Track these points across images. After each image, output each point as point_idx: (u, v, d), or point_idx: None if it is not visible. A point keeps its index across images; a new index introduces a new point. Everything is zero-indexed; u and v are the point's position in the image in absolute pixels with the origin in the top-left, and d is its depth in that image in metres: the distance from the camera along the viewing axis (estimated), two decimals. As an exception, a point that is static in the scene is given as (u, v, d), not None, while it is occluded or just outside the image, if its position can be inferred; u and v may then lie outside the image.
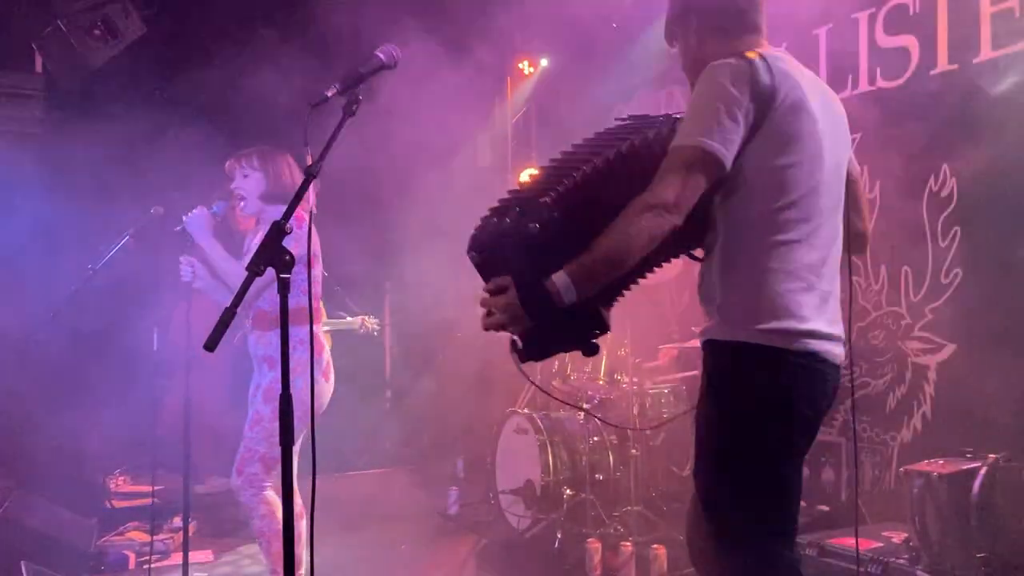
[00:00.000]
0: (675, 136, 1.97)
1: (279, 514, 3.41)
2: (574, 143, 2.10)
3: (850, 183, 2.19)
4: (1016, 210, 3.63)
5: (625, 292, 2.09)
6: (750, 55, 1.99)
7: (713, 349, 2.07)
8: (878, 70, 4.32)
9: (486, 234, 1.94)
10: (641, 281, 2.11)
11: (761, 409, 1.98)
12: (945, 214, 3.99)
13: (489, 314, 1.95)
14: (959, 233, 3.93)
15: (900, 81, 4.21)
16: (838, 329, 2.08)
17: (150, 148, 5.79)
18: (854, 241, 2.26)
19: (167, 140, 5.81)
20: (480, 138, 7.62)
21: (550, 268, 1.86)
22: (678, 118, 2.06)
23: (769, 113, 1.95)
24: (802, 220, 1.98)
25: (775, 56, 2.03)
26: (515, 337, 1.97)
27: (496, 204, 2.00)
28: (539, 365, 5.26)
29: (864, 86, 4.40)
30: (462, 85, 6.92)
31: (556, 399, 4.73)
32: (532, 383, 2.37)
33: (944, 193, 4.00)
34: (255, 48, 5.78)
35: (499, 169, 7.69)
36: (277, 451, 3.32)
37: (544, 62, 7.23)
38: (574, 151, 2.06)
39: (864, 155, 4.39)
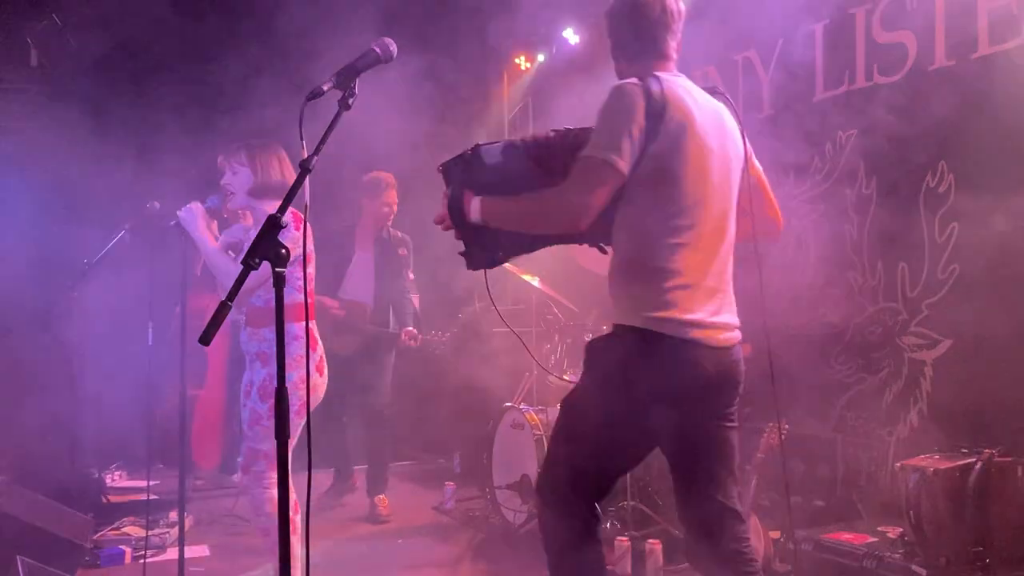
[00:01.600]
0: (586, 145, 2.28)
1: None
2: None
3: (756, 184, 2.52)
4: (1013, 207, 3.63)
5: (531, 252, 2.56)
6: (649, 78, 2.31)
7: (613, 330, 2.39)
8: (875, 66, 4.32)
9: (450, 159, 2.52)
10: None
11: (630, 381, 2.29)
12: (942, 210, 3.99)
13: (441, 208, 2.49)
14: (956, 229, 3.93)
15: (897, 77, 4.21)
16: (725, 319, 2.38)
17: (145, 142, 5.78)
18: (767, 230, 2.59)
19: (162, 134, 5.79)
20: (477, 133, 7.61)
21: (474, 190, 2.41)
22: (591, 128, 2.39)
23: (659, 129, 2.24)
24: (687, 227, 2.29)
25: (670, 79, 2.35)
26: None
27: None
28: (538, 358, 5.27)
29: (861, 82, 4.40)
30: (459, 80, 6.92)
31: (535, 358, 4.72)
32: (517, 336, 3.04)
33: (941, 189, 4.00)
34: (255, 41, 5.77)
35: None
36: (286, 449, 3.35)
37: (541, 57, 7.22)
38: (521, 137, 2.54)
39: (860, 150, 4.42)
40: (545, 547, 2.54)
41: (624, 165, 2.22)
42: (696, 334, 2.28)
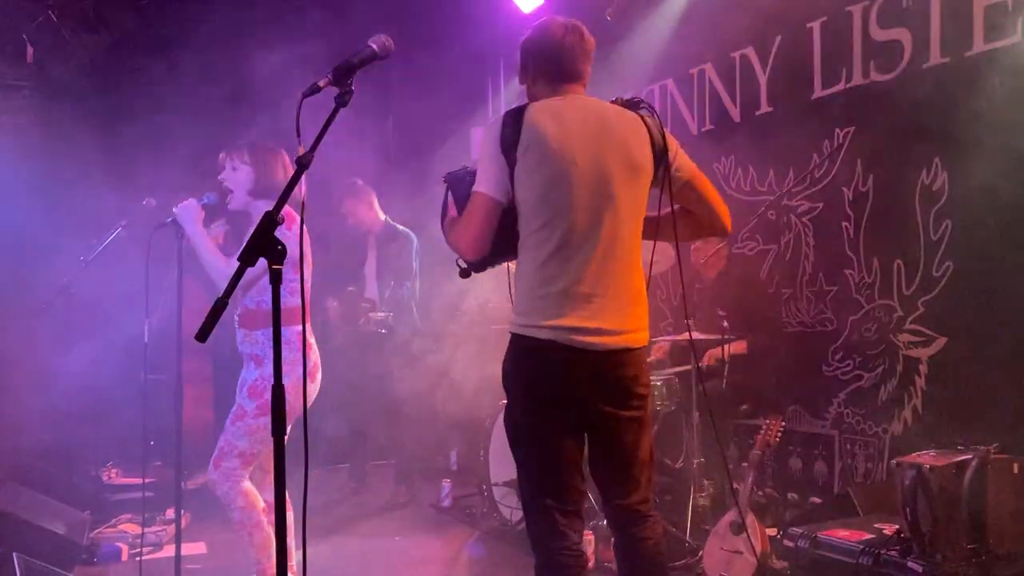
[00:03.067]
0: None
1: (258, 503, 3.42)
2: None
3: (688, 183, 2.59)
4: (1008, 203, 3.64)
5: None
6: (513, 111, 2.49)
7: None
8: (872, 63, 4.33)
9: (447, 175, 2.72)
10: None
11: (517, 383, 2.51)
12: (937, 207, 4.00)
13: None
14: (951, 226, 3.94)
15: (893, 74, 4.21)
16: (599, 323, 2.44)
17: (141, 139, 5.77)
18: (711, 227, 2.72)
19: (159, 130, 5.79)
20: (473, 132, 7.61)
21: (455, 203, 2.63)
22: None
23: (515, 157, 2.42)
24: (552, 239, 2.43)
25: (538, 105, 2.50)
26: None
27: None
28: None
29: (858, 79, 4.40)
30: (455, 79, 6.92)
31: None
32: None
33: (936, 186, 4.00)
34: (251, 37, 5.76)
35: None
36: (257, 447, 3.38)
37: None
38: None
39: (857, 148, 4.42)
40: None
41: (498, 194, 2.45)
42: (558, 337, 2.41)
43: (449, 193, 2.66)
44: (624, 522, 2.57)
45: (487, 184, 2.46)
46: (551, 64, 2.62)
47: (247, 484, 3.40)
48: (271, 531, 3.40)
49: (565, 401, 2.45)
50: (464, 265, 2.63)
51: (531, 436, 2.51)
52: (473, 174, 2.54)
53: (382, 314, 5.53)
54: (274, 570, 3.43)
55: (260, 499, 3.45)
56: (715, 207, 2.65)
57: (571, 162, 2.44)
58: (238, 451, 3.36)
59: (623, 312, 2.48)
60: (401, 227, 5.67)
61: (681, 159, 2.60)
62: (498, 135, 2.46)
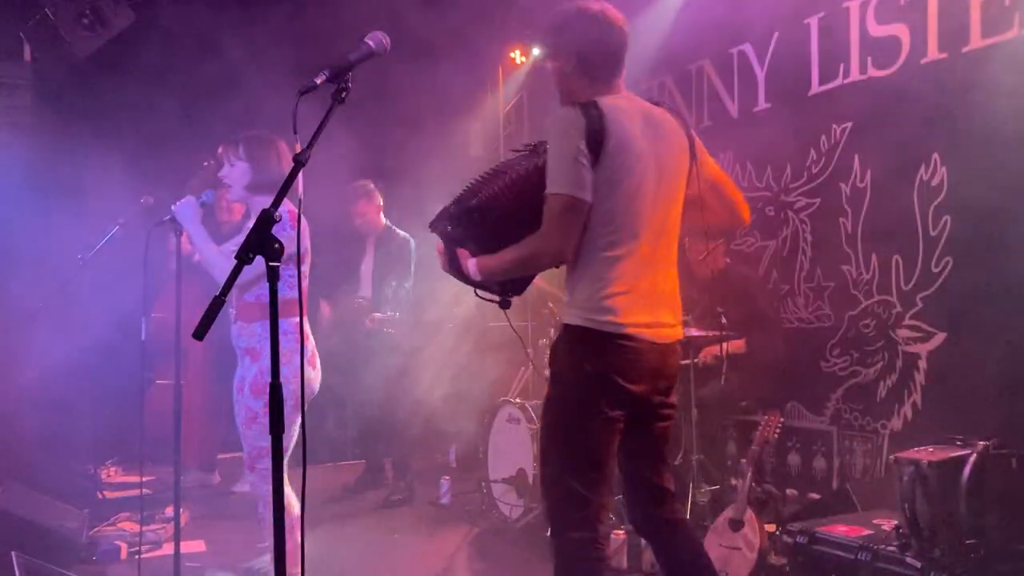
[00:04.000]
0: (548, 178, 2.42)
1: (295, 509, 3.40)
2: (499, 162, 2.71)
3: (714, 181, 2.66)
4: (1006, 199, 3.64)
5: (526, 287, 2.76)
6: (590, 104, 2.42)
7: (562, 330, 2.56)
8: (869, 59, 4.33)
9: (434, 222, 2.71)
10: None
11: (582, 376, 2.46)
12: (936, 203, 4.00)
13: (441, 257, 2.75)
14: (949, 222, 3.94)
15: (891, 70, 4.22)
16: (660, 317, 2.53)
17: (139, 137, 5.76)
18: (732, 223, 2.81)
19: (156, 129, 5.78)
20: (471, 128, 7.61)
21: (470, 251, 2.61)
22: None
23: (600, 155, 2.39)
24: (623, 242, 2.46)
25: (609, 103, 2.44)
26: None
27: (460, 192, 2.65)
28: (534, 351, 5.28)
29: (855, 75, 4.40)
30: (453, 74, 6.91)
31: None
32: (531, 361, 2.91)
33: (935, 182, 4.01)
34: (248, 36, 5.76)
35: (491, 159, 7.68)
36: (281, 442, 3.35)
37: (536, 51, 7.21)
38: (496, 170, 2.64)
39: (855, 144, 4.42)
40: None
41: (585, 194, 2.38)
42: (632, 331, 2.45)
43: (451, 238, 2.65)
44: (661, 501, 2.63)
45: (579, 187, 2.39)
46: (611, 58, 2.57)
47: (288, 488, 3.37)
48: (298, 540, 3.38)
49: (628, 393, 2.47)
50: (504, 295, 2.67)
51: (587, 426, 2.49)
52: (459, 213, 2.56)
53: (389, 314, 5.54)
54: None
55: (297, 504, 3.43)
56: (736, 203, 2.73)
57: (647, 164, 2.47)
58: (265, 451, 3.32)
59: (674, 306, 2.60)
60: (399, 231, 5.70)
61: (707, 157, 2.68)
62: (584, 132, 2.38)
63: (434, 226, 2.72)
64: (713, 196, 2.67)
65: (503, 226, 2.53)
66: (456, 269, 2.67)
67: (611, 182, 2.42)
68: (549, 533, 2.56)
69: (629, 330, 2.46)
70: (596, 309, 2.46)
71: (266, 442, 3.33)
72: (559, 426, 2.54)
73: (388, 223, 5.75)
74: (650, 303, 2.52)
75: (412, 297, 5.69)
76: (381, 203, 5.72)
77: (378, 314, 5.56)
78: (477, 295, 2.78)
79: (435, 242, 2.79)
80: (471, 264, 2.60)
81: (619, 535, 4.13)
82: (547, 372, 2.66)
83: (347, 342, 5.54)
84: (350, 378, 5.53)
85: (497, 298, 2.72)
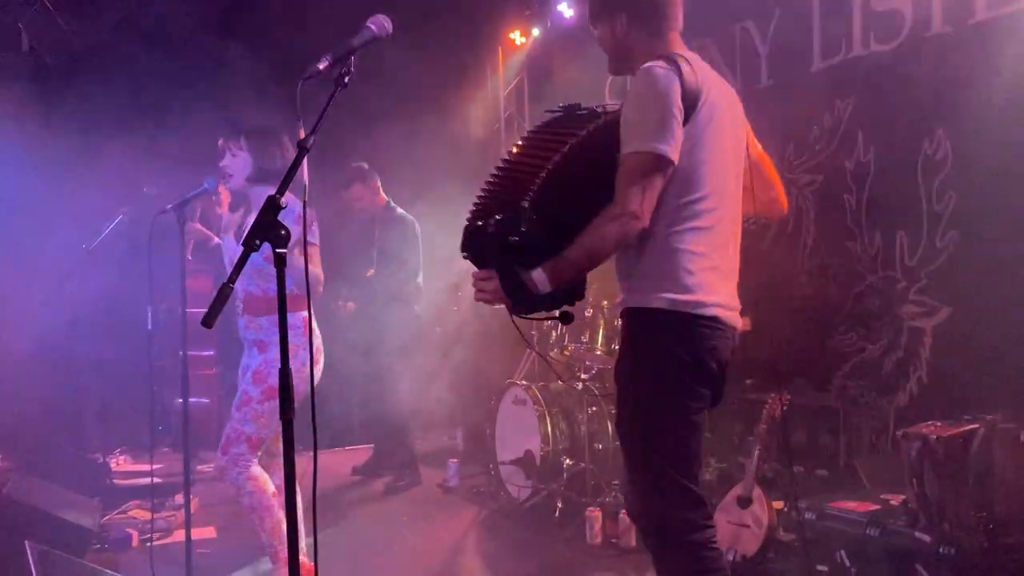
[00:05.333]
0: (625, 137, 2.17)
1: (269, 487, 3.45)
2: (527, 135, 2.39)
3: (758, 162, 2.50)
4: (1010, 172, 3.62)
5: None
6: (678, 59, 2.22)
7: (634, 315, 2.32)
8: (872, 34, 4.29)
9: (474, 237, 2.26)
10: None
11: (674, 364, 2.24)
12: (940, 178, 3.98)
13: (481, 290, 2.27)
14: (954, 197, 3.93)
15: (894, 44, 4.18)
16: (735, 300, 2.38)
17: (140, 126, 5.75)
18: (772, 210, 2.61)
19: (156, 118, 5.76)
20: (472, 109, 7.58)
21: (530, 262, 2.17)
22: (611, 110, 2.29)
23: (693, 114, 2.19)
24: (710, 210, 2.26)
25: (694, 57, 2.28)
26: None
27: (479, 197, 2.30)
28: (538, 334, 5.28)
29: (858, 49, 4.37)
30: (453, 56, 6.88)
31: (546, 359, 4.72)
32: (534, 350, 2.70)
33: (939, 156, 3.98)
34: (249, 21, 5.74)
35: (491, 141, 7.66)
36: (263, 432, 3.40)
37: (536, 32, 7.18)
38: (532, 145, 2.32)
39: (858, 119, 4.40)
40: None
41: (676, 154, 2.14)
42: (718, 312, 2.27)
43: (498, 255, 2.21)
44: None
45: (668, 144, 2.13)
46: (664, 5, 2.38)
47: (256, 468, 3.43)
48: (282, 516, 3.43)
49: (712, 378, 2.30)
50: (565, 304, 2.33)
51: (689, 422, 2.27)
52: (511, 218, 2.13)
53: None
54: (287, 554, 3.46)
55: (271, 483, 3.47)
56: (777, 189, 2.58)
57: (727, 129, 2.31)
58: (245, 436, 3.39)
59: (736, 288, 2.43)
60: (401, 210, 5.65)
61: (751, 131, 2.53)
62: (679, 88, 2.16)
63: (473, 246, 2.28)
64: (756, 176, 2.48)
65: (567, 213, 2.18)
66: (518, 292, 2.19)
67: (699, 144, 2.21)
68: (657, 544, 2.31)
69: (717, 311, 2.26)
70: (681, 287, 2.22)
71: (249, 428, 3.37)
72: (656, 427, 2.27)
73: (390, 202, 5.69)
74: (730, 282, 2.35)
75: (420, 279, 5.67)
76: (379, 184, 5.68)
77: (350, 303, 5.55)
78: (523, 317, 2.31)
79: (467, 270, 2.33)
80: (538, 276, 2.17)
81: (626, 515, 4.15)
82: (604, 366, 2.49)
83: (358, 326, 5.51)
84: (360, 361, 5.51)
85: (556, 312, 2.35)
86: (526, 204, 2.14)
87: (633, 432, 2.34)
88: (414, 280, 5.57)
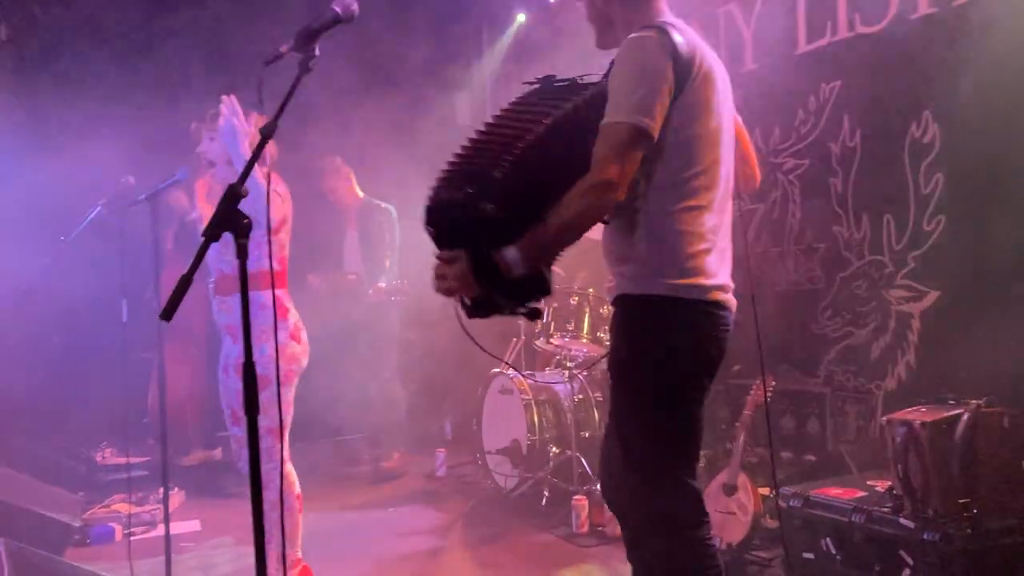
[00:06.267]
0: (608, 108, 2.04)
1: (295, 490, 3.40)
2: (503, 108, 2.25)
3: (738, 137, 2.36)
4: (998, 156, 3.58)
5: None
6: (667, 27, 2.07)
7: (629, 302, 2.20)
8: (857, 16, 4.24)
9: (440, 209, 2.04)
10: None
11: (674, 354, 2.13)
12: (927, 161, 3.94)
13: (442, 277, 2.07)
14: (942, 180, 3.89)
15: (880, 26, 4.13)
16: (731, 280, 2.25)
17: (119, 115, 5.68)
18: (746, 184, 2.49)
19: (136, 107, 5.69)
20: (458, 95, 7.51)
21: (501, 241, 1.97)
22: (593, 82, 2.16)
23: (686, 84, 2.06)
24: (707, 187, 2.15)
25: (684, 25, 2.14)
26: (464, 298, 2.09)
27: (446, 169, 2.09)
28: (525, 324, 5.24)
29: (843, 32, 4.32)
30: (439, 41, 6.81)
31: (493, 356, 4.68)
32: (481, 347, 2.51)
33: (926, 139, 3.94)
34: (233, 4, 5.66)
35: (477, 127, 7.58)
36: (276, 418, 3.31)
37: (521, 17, 7.11)
38: (509, 118, 2.17)
39: (844, 102, 4.36)
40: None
41: (655, 129, 2.01)
42: (718, 296, 2.16)
43: (466, 232, 2.01)
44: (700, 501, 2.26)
45: (650, 117, 1.99)
46: None
47: (288, 466, 3.33)
48: (299, 519, 3.40)
49: (714, 367, 2.20)
50: (532, 300, 2.11)
51: (690, 414, 2.17)
52: (484, 188, 1.95)
53: (395, 282, 5.53)
54: (297, 555, 3.43)
55: (297, 486, 3.41)
56: (751, 162, 2.49)
57: (722, 101, 2.20)
58: (265, 429, 3.26)
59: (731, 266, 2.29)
60: (380, 202, 5.65)
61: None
62: (672, 55, 2.03)
63: (440, 218, 2.05)
64: (736, 153, 2.37)
65: (540, 188, 2.01)
66: (489, 272, 1.99)
67: (696, 117, 2.09)
68: (650, 541, 2.19)
69: (718, 294, 2.15)
70: (680, 271, 2.10)
71: (264, 421, 3.27)
72: (655, 421, 2.16)
73: (367, 196, 5.69)
74: (726, 262, 2.23)
75: (398, 268, 5.66)
76: (352, 177, 5.66)
77: (382, 283, 5.53)
78: (475, 314, 2.11)
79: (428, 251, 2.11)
80: (510, 256, 1.97)
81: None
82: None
83: (341, 317, 5.49)
84: (344, 353, 5.49)
85: (523, 309, 2.12)
86: (498, 175, 1.95)
87: (630, 426, 2.21)
88: (394, 266, 5.59)
